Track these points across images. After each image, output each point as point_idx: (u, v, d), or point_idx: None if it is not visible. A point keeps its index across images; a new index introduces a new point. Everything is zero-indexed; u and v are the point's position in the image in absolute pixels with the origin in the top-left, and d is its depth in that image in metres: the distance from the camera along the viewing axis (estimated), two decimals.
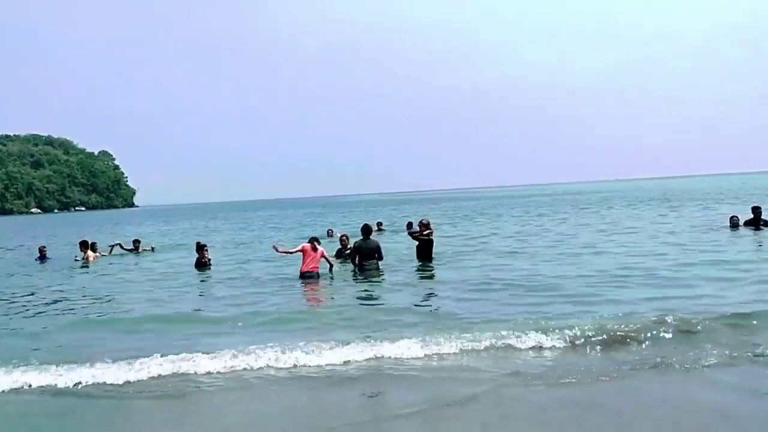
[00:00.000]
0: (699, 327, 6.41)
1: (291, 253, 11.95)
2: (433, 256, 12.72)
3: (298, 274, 11.36)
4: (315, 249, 11.50)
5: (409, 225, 26.71)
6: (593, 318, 6.87)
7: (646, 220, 22.93)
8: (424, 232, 12.63)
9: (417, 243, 12.74)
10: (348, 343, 6.14)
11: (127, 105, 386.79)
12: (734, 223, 16.66)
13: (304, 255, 11.40)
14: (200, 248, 13.72)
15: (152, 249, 19.45)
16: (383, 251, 11.97)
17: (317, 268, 11.39)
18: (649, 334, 6.22)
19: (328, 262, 11.73)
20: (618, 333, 6.28)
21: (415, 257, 12.74)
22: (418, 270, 11.91)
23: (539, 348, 6.05)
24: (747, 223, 16.39)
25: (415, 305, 8.52)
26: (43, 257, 17.63)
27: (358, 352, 5.91)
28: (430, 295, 9.42)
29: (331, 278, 11.35)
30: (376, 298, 9.33)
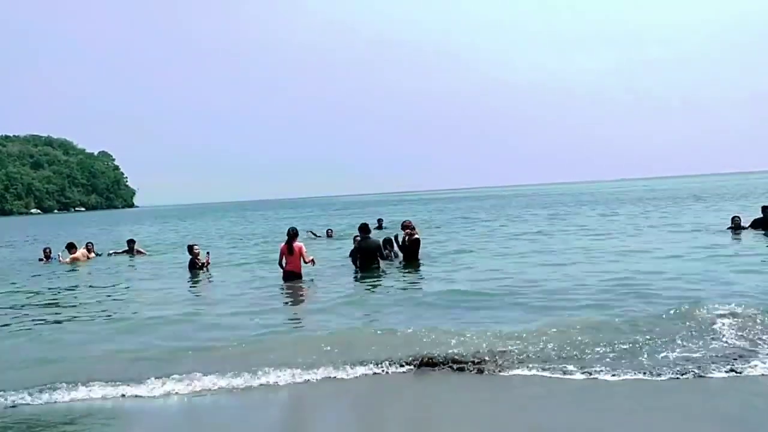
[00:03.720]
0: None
1: (281, 259, 11.19)
2: (420, 257, 12.35)
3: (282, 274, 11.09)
4: (291, 249, 10.90)
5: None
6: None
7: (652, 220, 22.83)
8: (404, 233, 12.22)
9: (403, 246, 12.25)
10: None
11: (126, 105, 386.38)
12: (736, 224, 15.78)
13: (284, 255, 11.04)
14: (191, 249, 13.55)
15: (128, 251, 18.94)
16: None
17: (299, 267, 11.01)
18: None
19: (305, 260, 11.01)
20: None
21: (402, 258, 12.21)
22: (406, 272, 11.50)
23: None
24: (755, 224, 15.57)
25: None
26: (47, 258, 17.39)
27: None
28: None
29: (311, 280, 10.97)
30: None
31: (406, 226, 12.40)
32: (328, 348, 6.20)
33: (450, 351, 5.92)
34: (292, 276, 10.96)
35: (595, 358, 5.63)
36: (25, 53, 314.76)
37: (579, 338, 6.13)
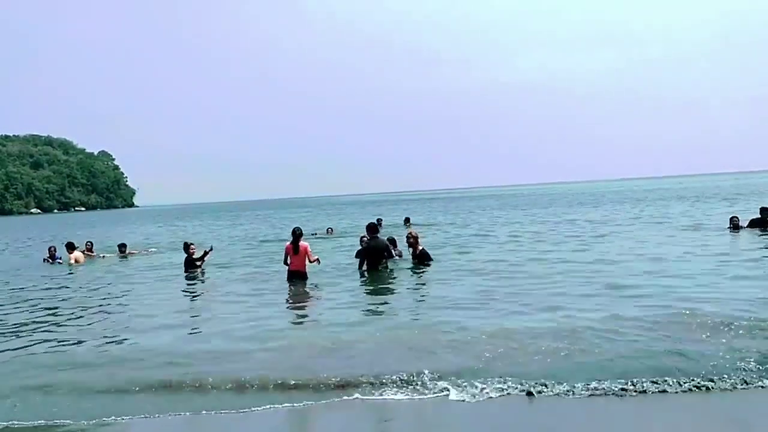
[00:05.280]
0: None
1: (286, 257, 11.20)
2: (432, 257, 12.46)
3: (287, 274, 11.04)
4: (296, 249, 10.90)
5: (407, 220, 27.16)
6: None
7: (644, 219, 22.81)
8: (410, 242, 12.41)
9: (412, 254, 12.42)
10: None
11: (126, 105, 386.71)
12: (734, 224, 16.10)
13: (289, 255, 11.06)
14: (187, 247, 13.50)
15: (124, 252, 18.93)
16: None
17: (303, 267, 10.98)
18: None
19: (310, 260, 10.98)
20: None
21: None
22: (413, 274, 11.49)
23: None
24: (752, 224, 15.78)
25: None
26: (52, 258, 17.42)
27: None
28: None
29: (316, 285, 10.68)
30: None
31: (411, 235, 12.58)
32: (328, 367, 5.77)
33: (455, 359, 5.78)
34: (297, 275, 10.93)
35: (600, 367, 5.41)
36: (25, 53, 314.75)
37: (582, 347, 5.97)
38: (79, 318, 9.23)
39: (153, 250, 19.70)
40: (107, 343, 7.40)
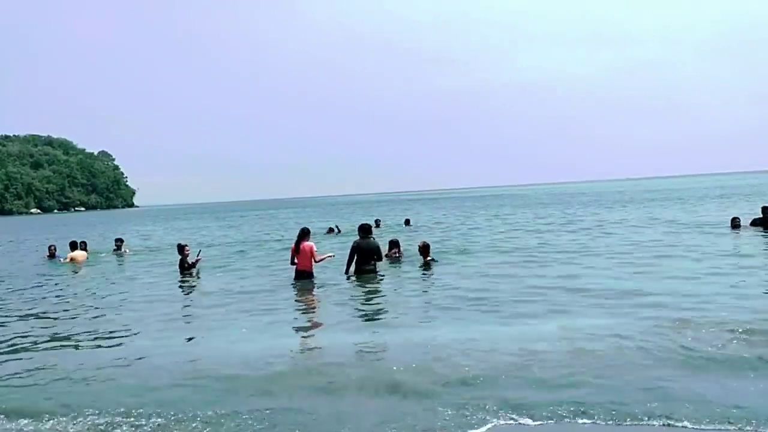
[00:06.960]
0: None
1: (292, 258, 11.23)
2: (434, 259, 12.84)
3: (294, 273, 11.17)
4: (298, 249, 11.06)
5: (407, 222, 27.06)
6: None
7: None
8: (421, 254, 12.82)
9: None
10: None
11: (126, 105, 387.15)
12: (735, 225, 16.24)
13: (294, 255, 11.23)
14: (181, 249, 13.29)
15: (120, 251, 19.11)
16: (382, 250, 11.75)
17: (309, 266, 11.12)
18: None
19: (315, 260, 11.16)
20: None
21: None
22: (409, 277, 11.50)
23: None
24: (754, 223, 15.81)
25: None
26: (52, 256, 17.59)
27: None
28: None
29: (319, 285, 10.62)
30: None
31: (422, 245, 12.91)
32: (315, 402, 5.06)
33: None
34: (302, 275, 11.08)
35: (597, 387, 5.01)
36: (25, 53, 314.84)
37: (580, 362, 5.62)
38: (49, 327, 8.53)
39: (129, 252, 19.54)
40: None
